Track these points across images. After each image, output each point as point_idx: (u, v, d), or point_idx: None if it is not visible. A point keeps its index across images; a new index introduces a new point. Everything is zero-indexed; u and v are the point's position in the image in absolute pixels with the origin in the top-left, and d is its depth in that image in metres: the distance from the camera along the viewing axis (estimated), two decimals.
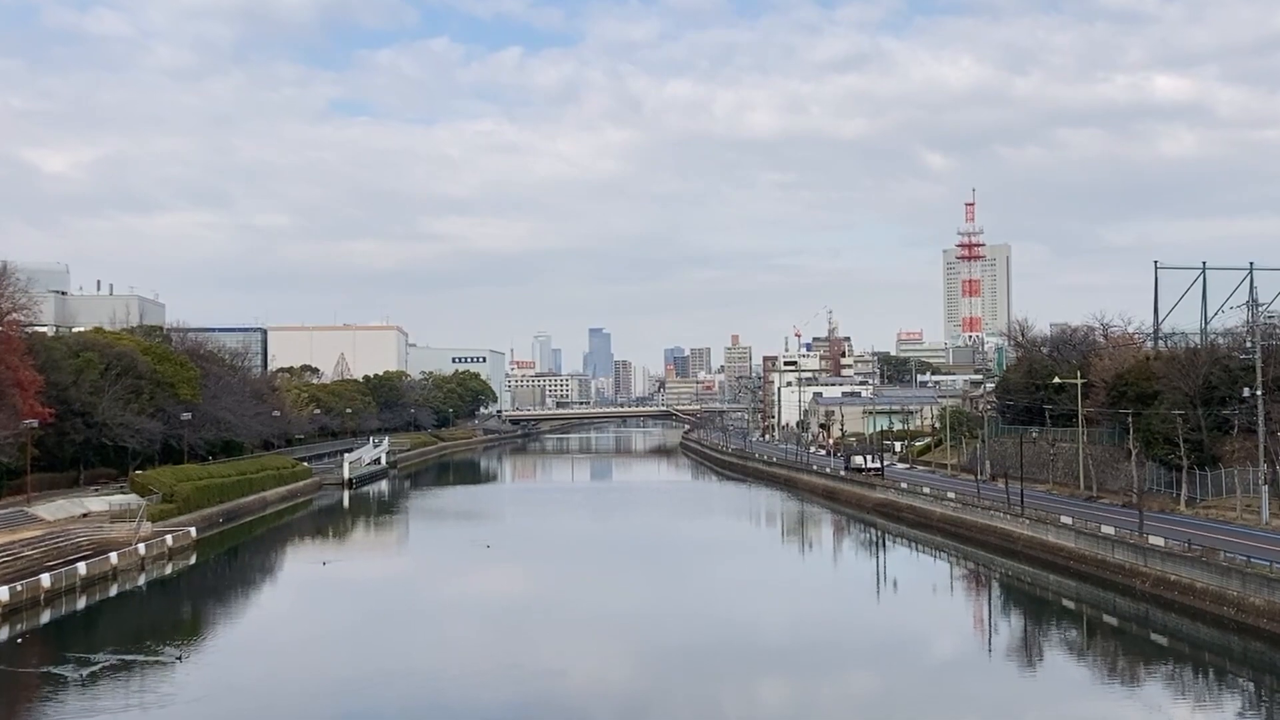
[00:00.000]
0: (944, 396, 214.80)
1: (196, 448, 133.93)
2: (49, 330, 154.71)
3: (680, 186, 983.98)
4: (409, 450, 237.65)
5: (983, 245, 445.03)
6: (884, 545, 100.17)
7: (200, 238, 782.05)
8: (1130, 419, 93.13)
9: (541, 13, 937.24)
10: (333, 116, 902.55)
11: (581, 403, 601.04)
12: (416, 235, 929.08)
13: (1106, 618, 65.40)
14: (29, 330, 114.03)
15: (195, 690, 49.17)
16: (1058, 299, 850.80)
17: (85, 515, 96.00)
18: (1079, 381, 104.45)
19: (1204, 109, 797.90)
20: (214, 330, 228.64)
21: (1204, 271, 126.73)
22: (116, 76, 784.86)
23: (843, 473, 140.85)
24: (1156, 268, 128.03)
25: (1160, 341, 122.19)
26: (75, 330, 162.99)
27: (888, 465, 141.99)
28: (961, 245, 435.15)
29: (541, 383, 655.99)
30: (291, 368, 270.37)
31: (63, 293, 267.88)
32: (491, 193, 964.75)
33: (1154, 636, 59.68)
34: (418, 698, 48.21)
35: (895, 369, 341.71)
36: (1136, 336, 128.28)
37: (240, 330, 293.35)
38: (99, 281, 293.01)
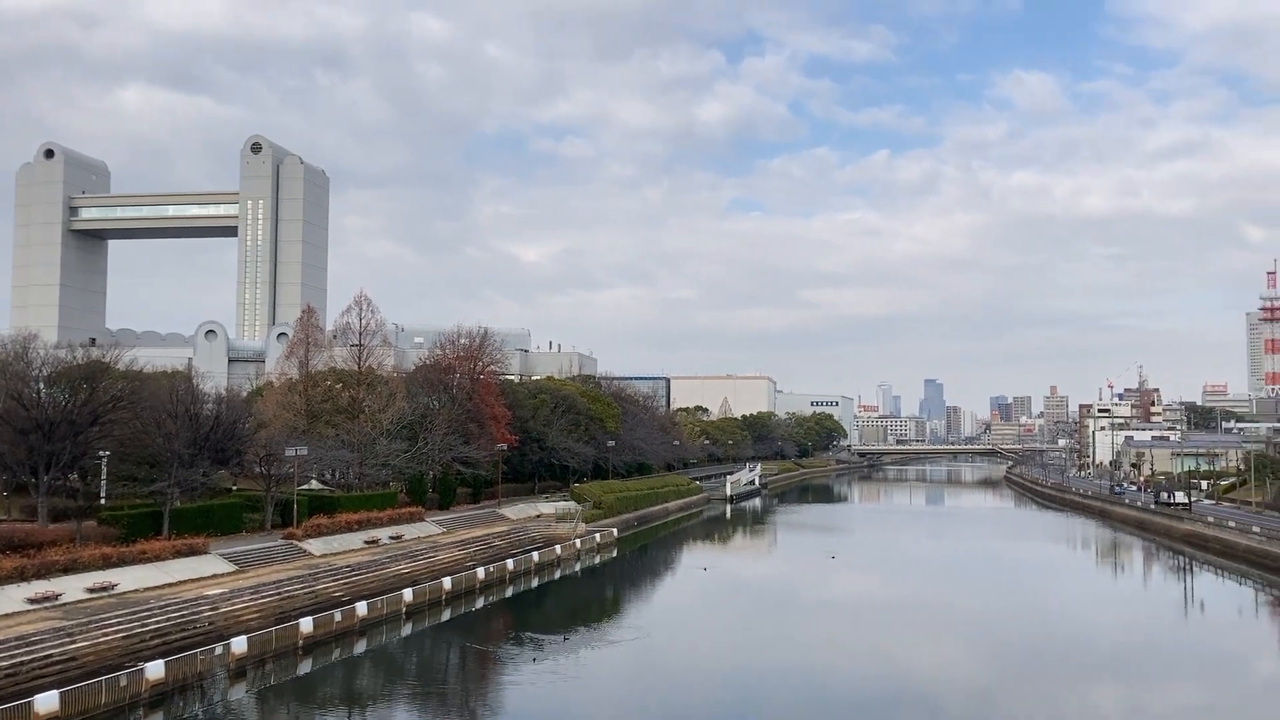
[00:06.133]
0: (1248, 442, 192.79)
1: (618, 467, 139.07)
2: (515, 378, 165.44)
3: (1019, 260, 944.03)
4: (776, 474, 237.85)
5: None
6: (1191, 571, 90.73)
7: (630, 308, 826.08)
8: None
9: (908, 121, 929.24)
10: (733, 213, 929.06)
11: (917, 440, 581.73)
12: (796, 304, 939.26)
13: None
14: (501, 378, 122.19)
15: (615, 659, 50.78)
16: None
17: (538, 516, 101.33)
18: None
19: None
20: (632, 379, 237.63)
21: None
22: (579, 188, 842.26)
23: (1153, 506, 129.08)
24: None
25: None
26: (533, 378, 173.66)
27: (1195, 501, 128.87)
28: (1264, 309, 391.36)
29: (884, 423, 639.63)
30: (687, 407, 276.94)
31: (525, 350, 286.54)
32: (858, 268, 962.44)
33: None
34: (793, 676, 47.82)
35: (1201, 417, 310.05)
36: None
37: (650, 379, 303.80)
38: (550, 341, 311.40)
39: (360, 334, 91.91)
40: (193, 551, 58.04)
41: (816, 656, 52.28)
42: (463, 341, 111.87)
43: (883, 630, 59.96)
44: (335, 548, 68.75)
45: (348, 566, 63.86)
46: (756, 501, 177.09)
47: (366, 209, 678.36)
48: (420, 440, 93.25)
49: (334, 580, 60.54)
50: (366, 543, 72.34)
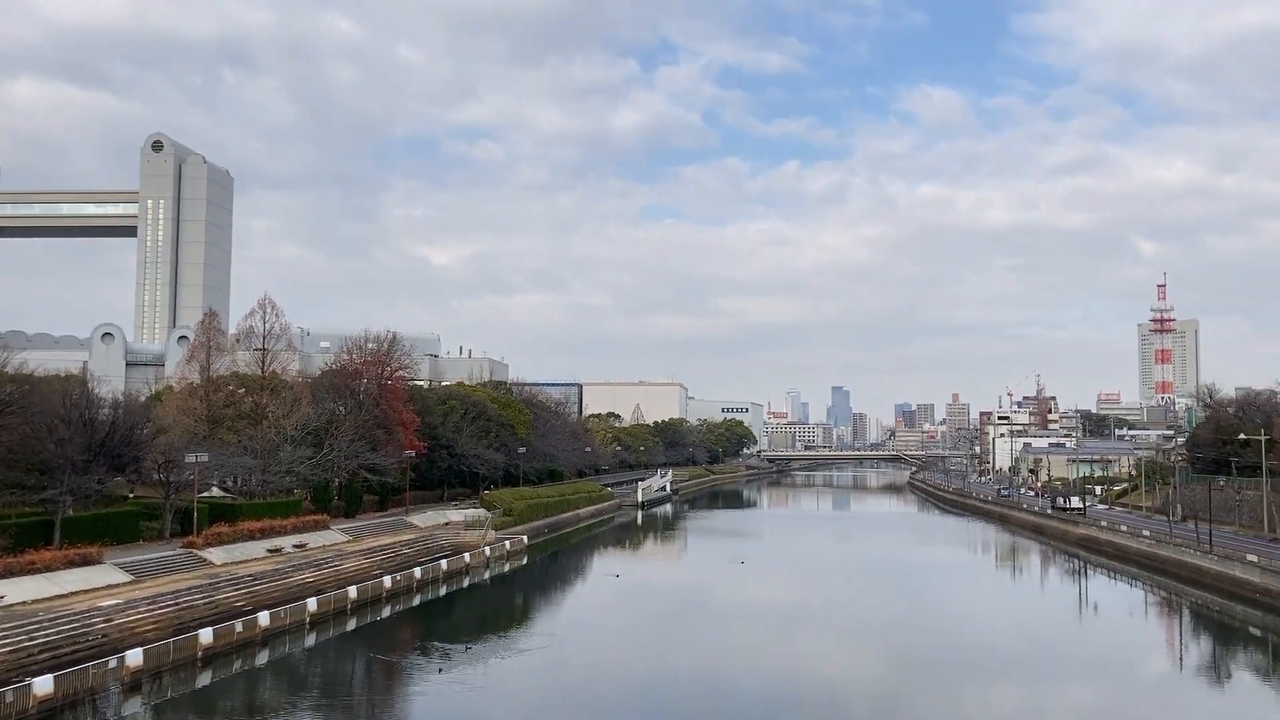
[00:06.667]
0: (1139, 449, 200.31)
1: (528, 474, 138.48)
2: (424, 384, 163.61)
3: (923, 270, 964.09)
4: (687, 480, 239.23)
5: (1173, 320, 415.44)
6: (1086, 574, 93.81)
7: (542, 313, 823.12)
8: None
9: (818, 133, 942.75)
10: (646, 220, 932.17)
11: (825, 446, 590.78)
12: (708, 311, 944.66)
13: None
14: (410, 383, 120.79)
15: (524, 669, 50.56)
16: (1252, 367, 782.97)
17: (446, 524, 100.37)
18: (1263, 438, 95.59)
19: None
20: (544, 385, 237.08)
21: None
22: (492, 192, 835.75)
23: (1049, 511, 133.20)
24: None
25: None
26: (443, 383, 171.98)
27: (1089, 506, 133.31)
28: (1154, 320, 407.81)
29: (792, 429, 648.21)
30: (599, 414, 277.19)
31: (435, 355, 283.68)
32: (769, 277, 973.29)
33: None
34: (703, 681, 48.13)
35: (1095, 425, 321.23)
36: None
37: (563, 385, 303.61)
38: (461, 347, 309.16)
39: (264, 338, 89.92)
40: (86, 561, 56.05)
41: (727, 662, 52.63)
42: (370, 346, 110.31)
43: (791, 635, 60.69)
44: (237, 556, 67.12)
45: (250, 576, 62.39)
46: (668, 507, 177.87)
47: (273, 210, 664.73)
48: (326, 446, 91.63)
49: (235, 590, 59.09)
50: (270, 551, 70.79)
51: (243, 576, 61.76)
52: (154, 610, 51.39)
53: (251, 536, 71.72)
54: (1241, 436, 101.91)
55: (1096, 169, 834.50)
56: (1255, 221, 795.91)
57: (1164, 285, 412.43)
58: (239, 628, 51.51)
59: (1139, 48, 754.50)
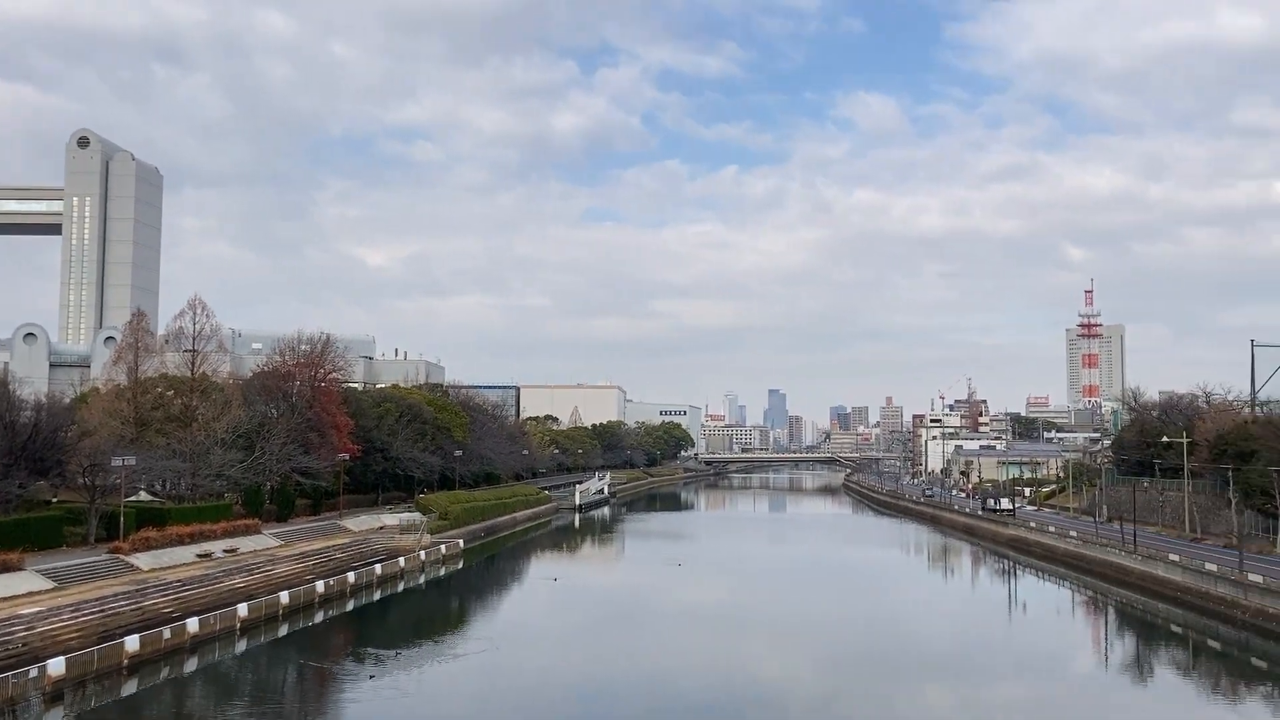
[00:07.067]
0: (1066, 451, 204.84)
1: (465, 477, 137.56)
2: (359, 386, 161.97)
3: (859, 274, 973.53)
4: (625, 483, 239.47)
5: (1100, 325, 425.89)
6: (1015, 574, 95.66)
7: (480, 315, 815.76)
8: (1231, 473, 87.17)
9: (756, 138, 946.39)
10: (586, 222, 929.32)
11: (761, 449, 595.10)
12: (647, 314, 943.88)
13: (1210, 642, 60.90)
14: (344, 386, 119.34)
15: (459, 673, 50.22)
16: (1174, 371, 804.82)
17: (381, 528, 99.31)
18: (1185, 441, 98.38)
19: None
20: (481, 387, 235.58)
21: None
22: (429, 192, 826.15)
23: (980, 512, 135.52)
24: (1253, 345, 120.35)
25: (1257, 408, 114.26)
26: (378, 386, 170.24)
27: (1018, 507, 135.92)
28: (1081, 325, 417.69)
29: (729, 432, 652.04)
30: (537, 417, 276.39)
31: (370, 357, 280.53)
32: (706, 280, 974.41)
33: (1254, 660, 55.26)
34: (641, 684, 48.18)
35: (1024, 428, 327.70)
36: (1236, 404, 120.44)
37: (500, 388, 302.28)
38: (397, 349, 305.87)
39: (195, 339, 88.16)
40: (6, 568, 54.44)
41: (664, 664, 52.77)
42: (304, 347, 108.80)
43: (728, 636, 61.01)
44: (165, 562, 65.72)
45: (178, 581, 61.14)
46: (605, 510, 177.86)
47: (204, 209, 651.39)
48: (257, 450, 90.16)
49: (163, 596, 57.85)
50: (199, 556, 69.44)
51: (171, 582, 60.51)
52: (77, 618, 50.11)
53: (180, 541, 70.31)
54: (1164, 439, 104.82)
55: (1027, 176, 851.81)
56: (1179, 230, 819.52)
57: (1091, 291, 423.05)
58: (167, 634, 50.44)
59: (1069, 58, 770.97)
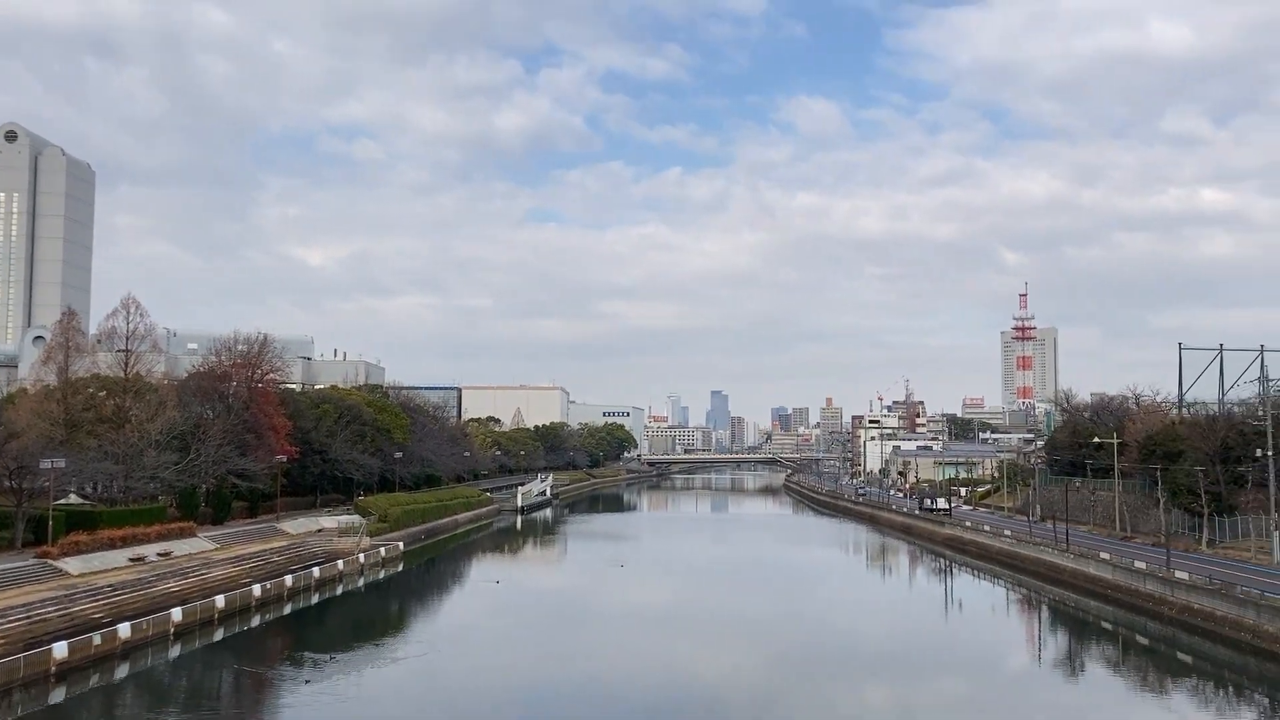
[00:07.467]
0: (1001, 451, 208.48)
1: (405, 479, 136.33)
2: (297, 387, 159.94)
3: (800, 277, 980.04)
4: (568, 485, 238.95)
5: (1034, 328, 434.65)
6: (951, 572, 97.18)
7: (422, 316, 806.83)
8: (1159, 473, 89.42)
9: (700, 141, 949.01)
10: (529, 222, 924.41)
11: (704, 450, 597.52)
12: (589, 315, 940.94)
13: (1139, 638, 62.38)
14: (282, 386, 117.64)
15: (398, 677, 49.77)
16: (1105, 373, 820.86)
17: (320, 530, 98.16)
18: (1115, 441, 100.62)
19: (1243, 217, 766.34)
20: (421, 388, 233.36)
21: (1221, 352, 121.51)
22: (371, 192, 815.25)
23: (917, 512, 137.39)
24: (1180, 348, 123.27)
25: (1184, 409, 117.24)
26: (317, 387, 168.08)
27: (954, 507, 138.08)
28: (1016, 328, 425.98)
29: (672, 433, 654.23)
30: (479, 418, 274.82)
31: (308, 358, 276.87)
32: (650, 282, 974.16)
33: (1180, 656, 56.68)
34: (584, 686, 48.12)
35: (961, 428, 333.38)
36: (1164, 405, 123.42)
37: (441, 389, 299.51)
38: (336, 349, 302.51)
39: (128, 338, 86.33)
40: None
41: (607, 665, 52.81)
42: (241, 348, 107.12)
43: (670, 637, 61.20)
44: (96, 566, 64.24)
45: (109, 586, 59.80)
46: (548, 512, 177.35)
47: (140, 207, 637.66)
48: (193, 451, 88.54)
49: (93, 601, 56.54)
50: (132, 560, 67.98)
51: (102, 587, 59.17)
52: (2, 625, 48.77)
53: (112, 545, 68.80)
54: (1095, 440, 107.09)
55: (965, 181, 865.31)
56: (1111, 235, 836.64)
57: (1025, 295, 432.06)
58: (97, 640, 49.29)
59: (1006, 66, 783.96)
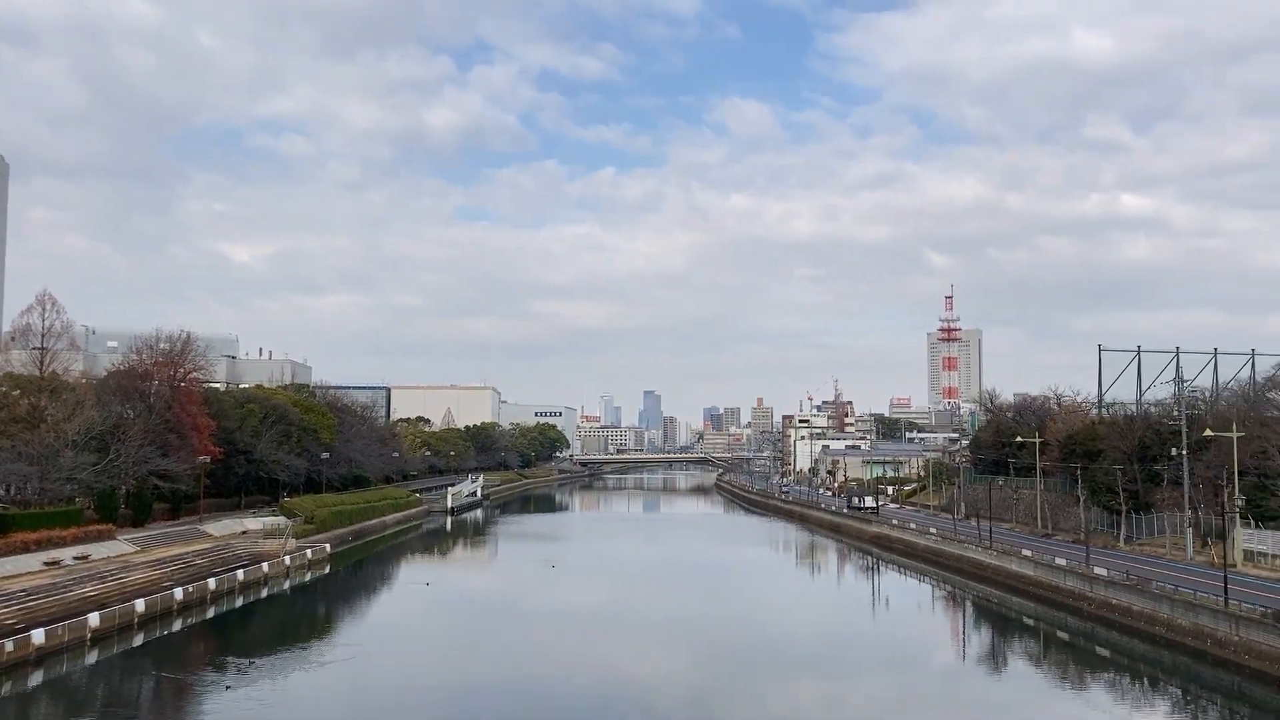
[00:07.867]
0: (927, 451, 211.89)
1: (332, 480, 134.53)
2: (221, 386, 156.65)
3: (733, 279, 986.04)
4: (499, 485, 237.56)
5: (959, 329, 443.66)
6: (878, 570, 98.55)
7: (350, 314, 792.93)
8: (1079, 471, 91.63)
9: (634, 140, 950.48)
10: (460, 220, 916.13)
11: (636, 450, 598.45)
12: (522, 314, 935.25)
13: (1059, 633, 63.85)
14: (205, 386, 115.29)
15: (325, 681, 49.08)
16: (1028, 374, 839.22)
17: (244, 532, 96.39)
18: (1037, 440, 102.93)
19: (1161, 222, 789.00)
20: (349, 388, 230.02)
21: (1139, 354, 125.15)
22: (299, 188, 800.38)
23: (845, 510, 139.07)
24: (1100, 350, 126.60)
25: (1103, 409, 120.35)
26: (241, 386, 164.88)
27: (882, 505, 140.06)
28: (942, 329, 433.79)
29: (605, 433, 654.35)
30: (409, 418, 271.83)
31: (233, 356, 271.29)
32: (583, 281, 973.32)
33: (1099, 650, 58.17)
34: (514, 687, 47.85)
35: (888, 428, 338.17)
36: (1084, 405, 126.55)
37: (370, 388, 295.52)
38: (261, 348, 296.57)
39: (43, 336, 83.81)
40: None
41: (538, 666, 52.57)
42: (163, 346, 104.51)
43: (602, 637, 61.17)
44: (8, 570, 62.27)
45: (23, 590, 57.98)
46: (479, 513, 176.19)
47: (57, 201, 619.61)
48: (112, 452, 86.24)
49: (6, 606, 54.74)
50: (46, 564, 66.01)
51: (15, 592, 57.35)
52: None
53: (26, 549, 66.78)
54: (1018, 439, 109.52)
55: (895, 184, 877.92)
56: (1035, 238, 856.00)
57: (951, 297, 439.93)
58: (10, 646, 47.76)
59: (935, 72, 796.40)
